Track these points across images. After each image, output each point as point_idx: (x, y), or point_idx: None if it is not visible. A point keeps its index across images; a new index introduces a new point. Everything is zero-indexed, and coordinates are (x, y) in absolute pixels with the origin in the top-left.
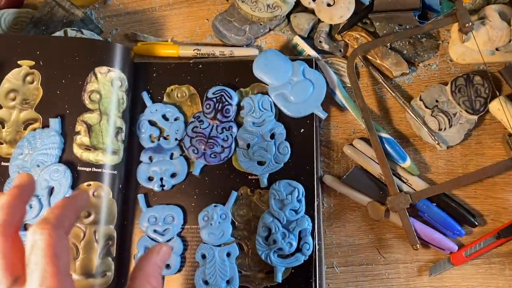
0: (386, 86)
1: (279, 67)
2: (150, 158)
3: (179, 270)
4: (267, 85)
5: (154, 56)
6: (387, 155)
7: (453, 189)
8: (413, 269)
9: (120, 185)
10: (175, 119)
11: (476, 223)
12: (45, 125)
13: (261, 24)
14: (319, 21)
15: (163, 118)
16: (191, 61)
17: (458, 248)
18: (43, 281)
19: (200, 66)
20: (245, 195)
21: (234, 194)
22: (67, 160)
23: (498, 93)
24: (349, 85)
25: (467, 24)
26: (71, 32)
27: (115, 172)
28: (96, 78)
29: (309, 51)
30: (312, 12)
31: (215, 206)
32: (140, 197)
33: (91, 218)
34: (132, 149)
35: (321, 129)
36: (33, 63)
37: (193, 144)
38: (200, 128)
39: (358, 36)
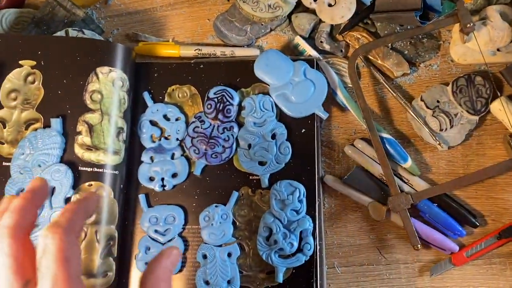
0: (387, 87)
1: (280, 67)
2: (151, 158)
3: (180, 270)
4: (268, 85)
5: (155, 56)
6: (388, 155)
7: (454, 190)
8: (414, 270)
9: (121, 185)
10: (176, 119)
11: (477, 224)
12: (47, 125)
13: (262, 24)
14: (320, 21)
15: (164, 118)
16: (192, 61)
17: (459, 248)
18: (54, 286)
19: (201, 66)
20: (246, 195)
21: (235, 194)
22: (68, 160)
23: (499, 94)
24: (350, 86)
25: (469, 25)
26: (72, 32)
27: (116, 172)
28: (98, 78)
29: (310, 52)
30: (313, 12)
31: (216, 206)
32: (141, 197)
33: (92, 218)
34: (133, 149)
35: (322, 129)
36: (34, 63)
37: (194, 144)
38: (201, 128)
39: (359, 37)
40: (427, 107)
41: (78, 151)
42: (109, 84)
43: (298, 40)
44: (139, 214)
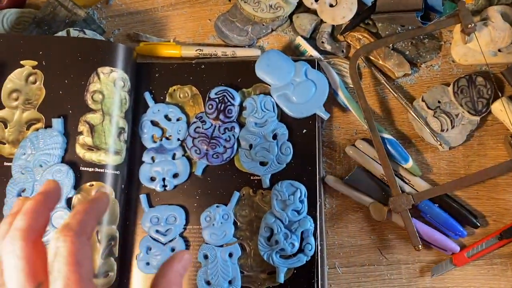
0: (388, 87)
1: (281, 67)
2: (153, 159)
3: None
4: (270, 86)
5: (157, 57)
6: (389, 156)
7: (455, 190)
8: (415, 270)
9: (123, 185)
10: (178, 120)
11: (478, 224)
12: (48, 125)
13: (263, 25)
14: (321, 21)
15: (166, 118)
16: (194, 62)
17: (460, 249)
18: None
19: (203, 66)
20: (247, 196)
21: (236, 195)
22: (70, 160)
23: (500, 94)
24: (351, 86)
25: (470, 25)
26: (74, 32)
27: (118, 172)
28: (99, 78)
29: (312, 52)
30: (314, 12)
31: (217, 206)
32: (143, 197)
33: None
34: (134, 150)
35: (323, 130)
36: (35, 63)
37: (196, 145)
38: (203, 129)
39: (361, 37)
40: (428, 108)
41: (79, 151)
42: (110, 84)
43: (299, 40)
44: (140, 214)
